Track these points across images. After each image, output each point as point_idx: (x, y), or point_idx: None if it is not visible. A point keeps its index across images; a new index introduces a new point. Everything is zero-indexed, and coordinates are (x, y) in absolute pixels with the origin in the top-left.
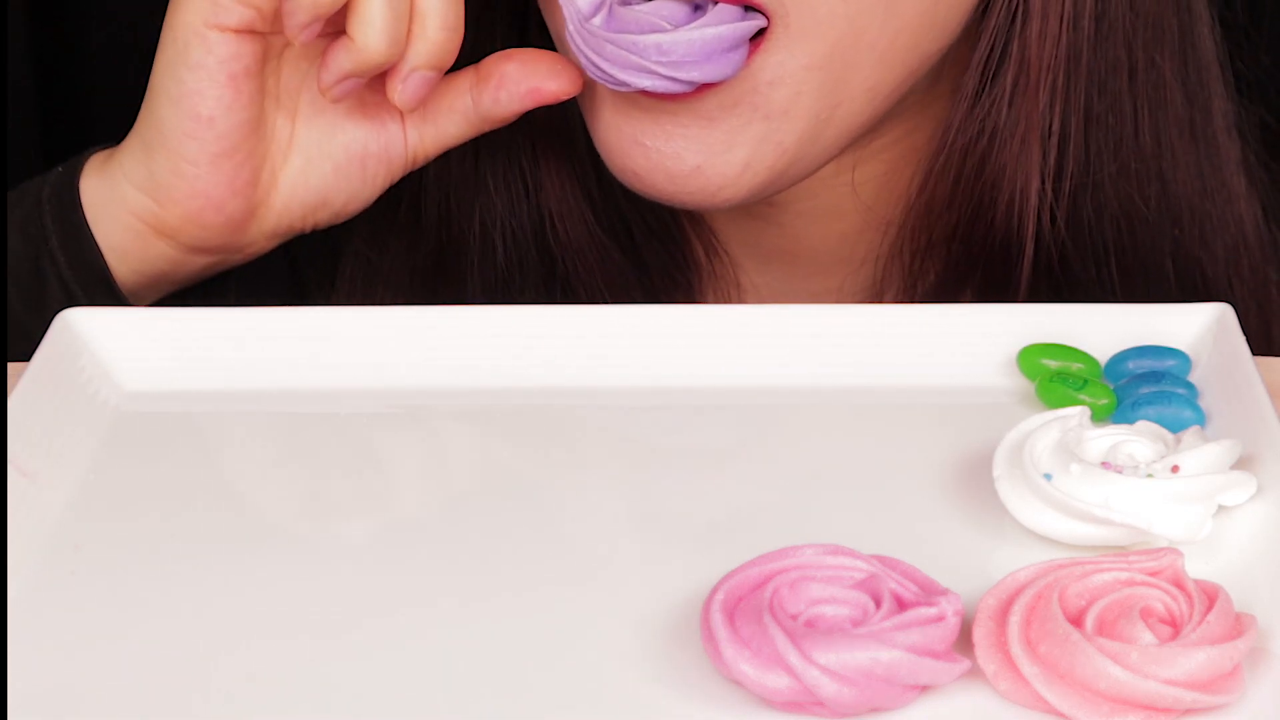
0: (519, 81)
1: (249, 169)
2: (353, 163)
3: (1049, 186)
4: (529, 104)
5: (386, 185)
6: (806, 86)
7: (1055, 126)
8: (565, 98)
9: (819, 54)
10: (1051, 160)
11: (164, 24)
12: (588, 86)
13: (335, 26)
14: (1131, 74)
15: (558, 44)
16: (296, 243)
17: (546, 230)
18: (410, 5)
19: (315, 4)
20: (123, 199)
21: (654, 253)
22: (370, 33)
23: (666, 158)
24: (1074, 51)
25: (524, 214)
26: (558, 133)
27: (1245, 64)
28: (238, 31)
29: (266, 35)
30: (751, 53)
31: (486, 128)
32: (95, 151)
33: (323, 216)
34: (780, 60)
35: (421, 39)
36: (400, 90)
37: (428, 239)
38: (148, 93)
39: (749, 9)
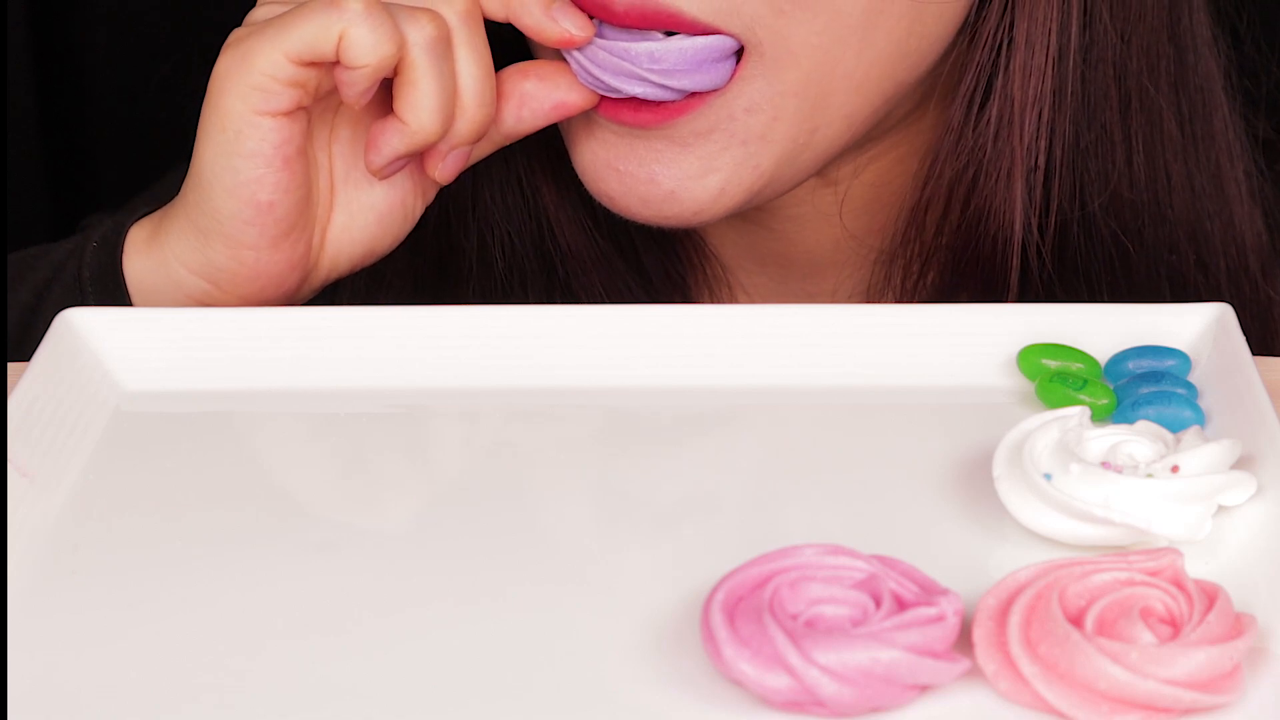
0: (541, 99)
1: (304, 242)
2: (394, 209)
3: (1034, 221)
4: (554, 119)
5: (420, 214)
6: (784, 112)
7: (1041, 161)
8: (588, 108)
9: (794, 82)
10: (1038, 195)
11: (206, 107)
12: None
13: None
14: (1123, 104)
15: (537, 55)
16: None
17: (545, 236)
18: (454, 86)
19: (375, 69)
20: (177, 284)
21: (653, 256)
22: (423, 116)
23: (640, 182)
24: (1060, 84)
25: (522, 220)
26: (553, 139)
27: (1251, 80)
28: (288, 114)
29: (309, 108)
30: (730, 79)
31: (508, 143)
32: (132, 223)
33: (369, 261)
34: (757, 88)
35: (463, 119)
36: (441, 169)
37: (428, 245)
38: (195, 177)
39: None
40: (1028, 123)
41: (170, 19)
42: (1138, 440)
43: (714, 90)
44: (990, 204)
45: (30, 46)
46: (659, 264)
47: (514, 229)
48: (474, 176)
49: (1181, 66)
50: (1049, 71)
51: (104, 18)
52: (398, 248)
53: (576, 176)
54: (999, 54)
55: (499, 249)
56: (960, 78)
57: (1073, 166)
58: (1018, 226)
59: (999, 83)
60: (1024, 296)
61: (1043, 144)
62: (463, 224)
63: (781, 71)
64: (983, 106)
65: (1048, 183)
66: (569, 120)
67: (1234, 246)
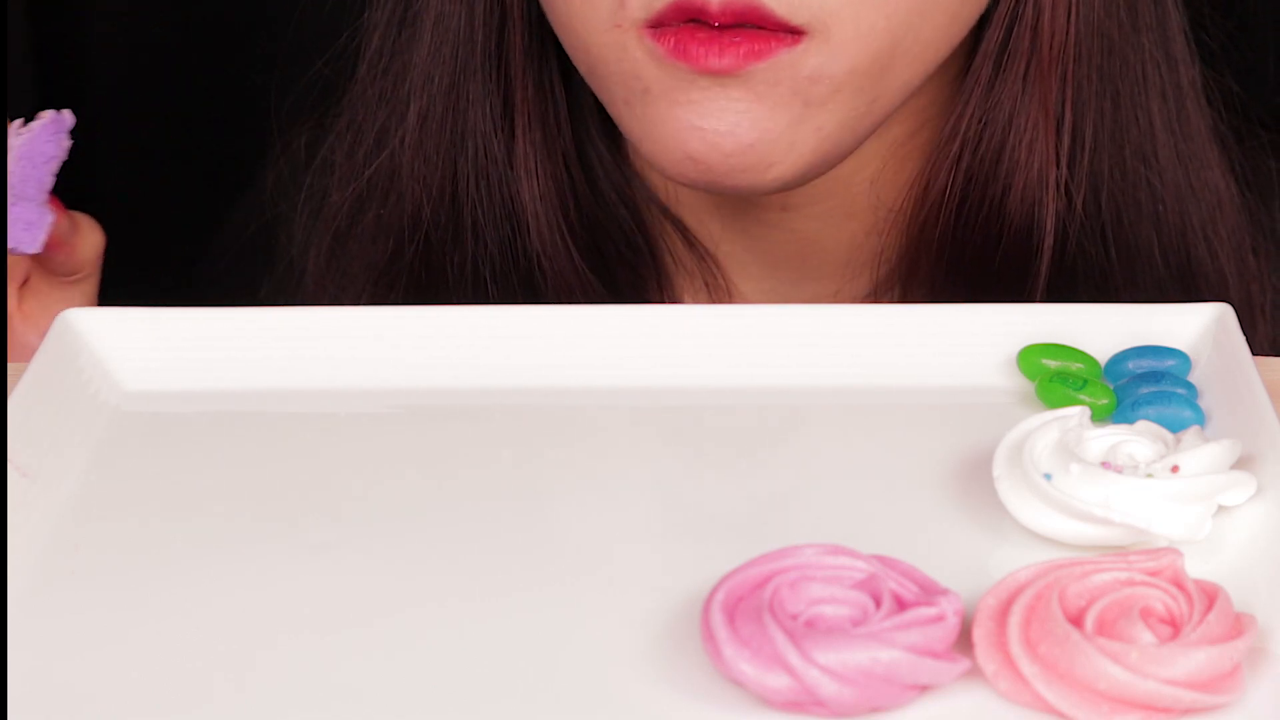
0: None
1: None
2: None
3: (1064, 170)
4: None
5: None
6: (846, 87)
7: (1067, 110)
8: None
9: (862, 63)
10: (1065, 144)
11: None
12: (638, 98)
13: None
14: (1123, 52)
15: (581, 48)
16: (261, 276)
17: (534, 270)
18: None
19: None
20: None
21: (625, 271)
22: None
23: (722, 136)
24: (1081, 34)
25: (510, 251)
26: (543, 165)
27: (1209, 33)
28: None
29: None
30: (792, 44)
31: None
32: None
33: None
34: (820, 63)
35: None
36: None
37: (406, 278)
38: None
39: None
40: (1054, 74)
41: (171, 18)
42: (1138, 440)
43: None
44: (1018, 158)
45: (30, 46)
46: (629, 279)
47: (500, 260)
48: (458, 202)
49: (1158, 16)
50: (1072, 22)
51: (104, 16)
52: (379, 254)
53: (560, 192)
54: (1023, 7)
55: (488, 275)
56: (981, 34)
57: (1090, 116)
58: (1051, 178)
59: (1026, 35)
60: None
61: (1069, 94)
62: (448, 252)
63: (847, 54)
64: (1010, 60)
65: (1075, 134)
66: (648, 100)
67: (1209, 191)
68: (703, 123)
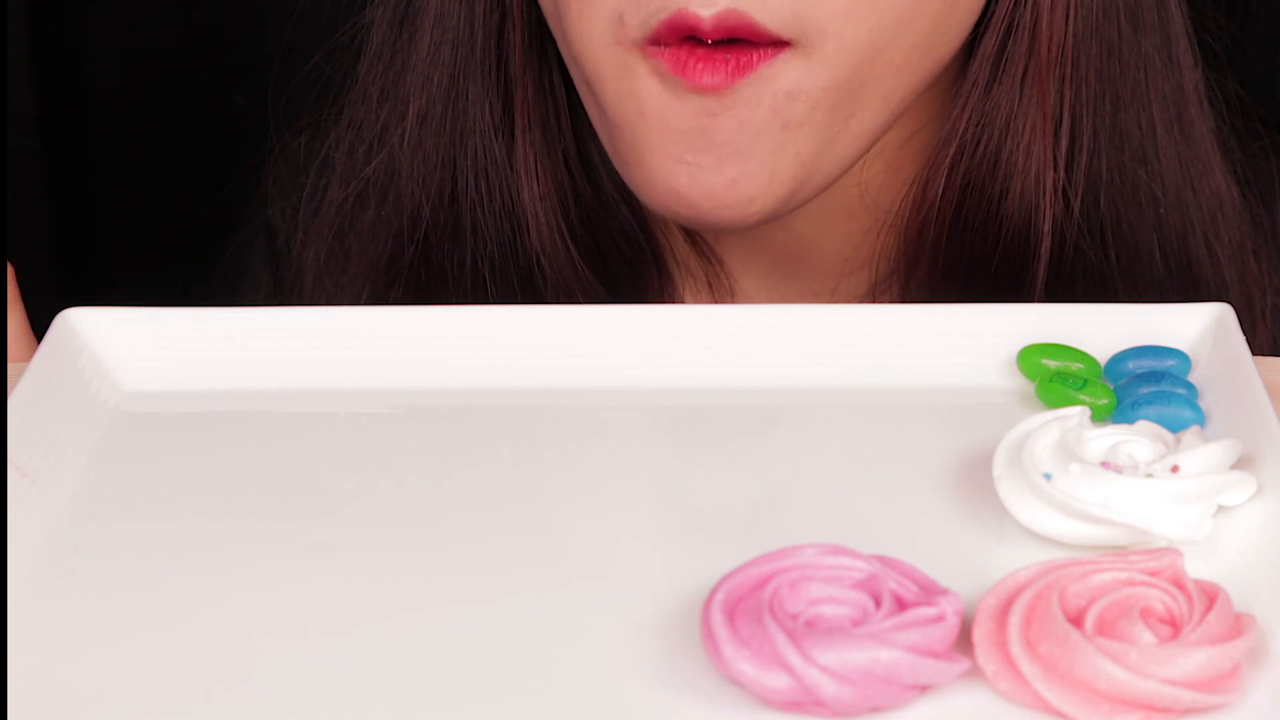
0: None
1: None
2: None
3: (1062, 173)
4: None
5: None
6: (823, 104)
7: (1065, 114)
8: None
9: (840, 76)
10: (1064, 147)
11: None
12: (631, 121)
13: None
14: (1123, 55)
15: (579, 61)
16: (260, 276)
17: (533, 270)
18: None
19: None
20: None
21: (630, 281)
22: None
23: (706, 171)
24: (1079, 37)
25: (509, 251)
26: (543, 165)
27: (1212, 35)
28: None
29: None
30: (772, 56)
31: None
32: None
33: None
34: (798, 78)
35: None
36: None
37: (405, 278)
38: None
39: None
40: (1053, 76)
41: (171, 18)
42: (1138, 440)
43: (760, 54)
44: (1016, 161)
45: (30, 46)
46: (630, 277)
47: (501, 258)
48: (455, 213)
49: (1160, 18)
50: (1070, 24)
51: (104, 17)
52: (378, 253)
53: (562, 198)
54: (1021, 9)
55: (488, 275)
56: (980, 38)
57: (1089, 118)
58: (1048, 181)
59: (1024, 37)
60: (1045, 258)
61: (1068, 97)
62: (448, 254)
63: (829, 68)
64: (1008, 63)
65: (1072, 136)
66: (641, 123)
67: (1210, 194)
68: (689, 156)
